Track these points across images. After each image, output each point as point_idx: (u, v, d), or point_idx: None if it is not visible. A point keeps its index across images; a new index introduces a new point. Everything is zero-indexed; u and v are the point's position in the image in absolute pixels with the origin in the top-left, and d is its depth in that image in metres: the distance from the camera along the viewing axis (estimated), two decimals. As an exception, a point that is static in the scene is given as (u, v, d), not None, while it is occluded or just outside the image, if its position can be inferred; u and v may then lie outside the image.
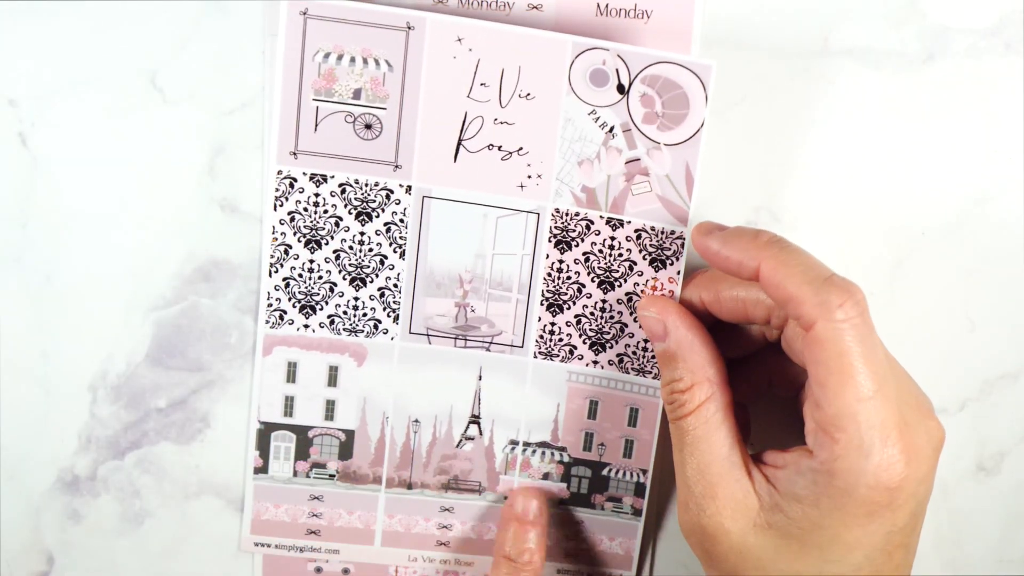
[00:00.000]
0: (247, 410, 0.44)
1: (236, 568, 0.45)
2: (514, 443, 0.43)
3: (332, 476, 0.43)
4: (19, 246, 0.42)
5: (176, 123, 0.41)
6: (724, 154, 0.42)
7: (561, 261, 0.41)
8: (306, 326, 0.42)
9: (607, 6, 0.40)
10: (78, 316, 0.43)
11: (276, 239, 0.41)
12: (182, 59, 0.41)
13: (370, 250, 0.41)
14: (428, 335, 0.42)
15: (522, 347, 0.42)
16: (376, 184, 0.40)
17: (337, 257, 0.41)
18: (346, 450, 0.43)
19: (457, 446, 0.43)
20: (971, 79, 0.42)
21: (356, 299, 0.42)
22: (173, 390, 0.44)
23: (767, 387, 0.41)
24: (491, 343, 0.42)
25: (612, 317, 0.41)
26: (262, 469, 0.43)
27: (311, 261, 0.41)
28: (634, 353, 0.42)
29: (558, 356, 0.42)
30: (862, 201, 0.43)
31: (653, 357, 0.42)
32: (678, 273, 0.41)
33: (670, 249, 0.40)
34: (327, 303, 0.42)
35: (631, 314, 0.41)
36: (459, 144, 0.40)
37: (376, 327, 0.42)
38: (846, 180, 0.42)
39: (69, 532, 0.45)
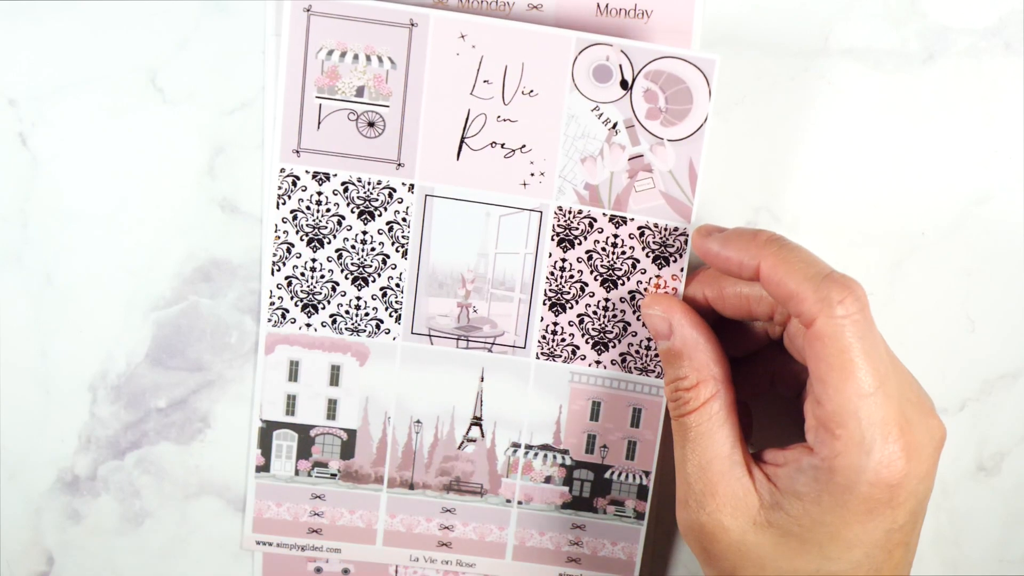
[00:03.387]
0: (247, 410, 0.44)
1: (236, 568, 0.45)
2: (516, 445, 0.43)
3: (334, 475, 0.43)
4: (19, 246, 0.42)
5: (176, 123, 0.41)
6: (724, 154, 0.42)
7: (564, 259, 0.41)
8: (308, 325, 0.42)
9: (607, 6, 0.40)
10: (78, 316, 0.43)
11: (279, 237, 0.41)
12: (182, 59, 0.41)
13: (372, 249, 0.41)
14: (430, 335, 0.42)
15: (524, 348, 0.42)
16: (379, 182, 0.40)
17: (339, 256, 0.41)
18: (348, 449, 0.43)
19: (459, 448, 0.43)
20: (971, 79, 0.42)
21: (358, 299, 0.42)
22: (173, 390, 0.44)
23: (769, 386, 0.41)
24: (493, 344, 0.42)
25: (615, 316, 0.41)
26: (264, 467, 0.43)
27: (313, 260, 0.41)
28: (637, 352, 0.42)
29: (560, 356, 0.42)
30: (862, 201, 0.43)
31: (656, 356, 0.42)
32: (681, 270, 0.41)
33: (673, 246, 0.40)
34: (329, 302, 0.42)
35: (634, 312, 0.41)
36: (462, 142, 0.40)
37: (378, 327, 0.42)
38: (846, 180, 0.42)
39: (69, 532, 0.45)
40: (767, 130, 0.42)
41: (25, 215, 0.42)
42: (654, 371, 0.42)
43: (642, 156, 0.40)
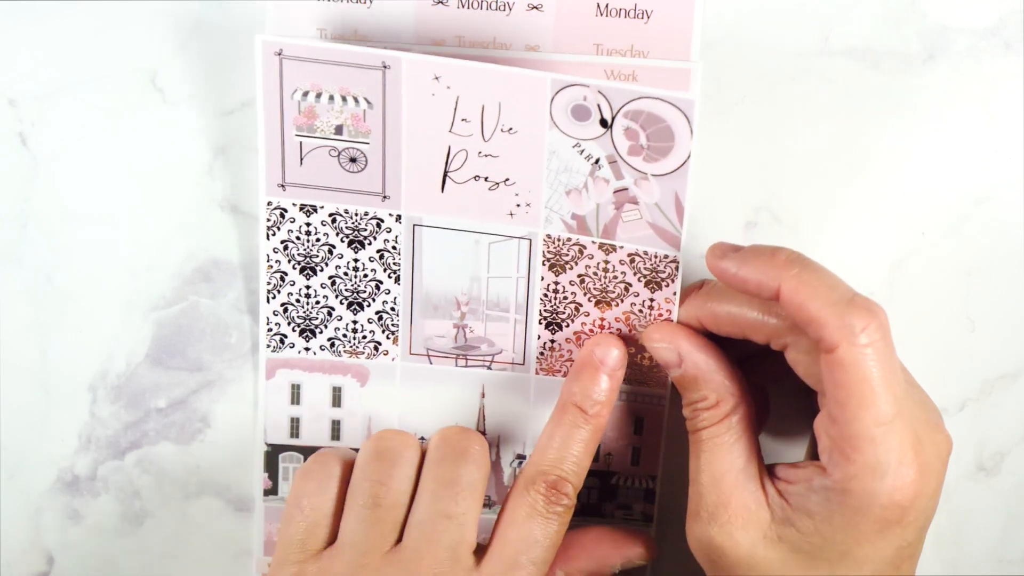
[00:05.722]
0: (247, 410, 0.44)
1: (236, 569, 0.45)
2: (521, 457, 0.43)
3: None
4: (19, 246, 0.42)
5: (176, 123, 0.41)
6: (724, 154, 0.42)
7: (556, 283, 0.41)
8: (307, 349, 0.42)
9: (607, 6, 0.40)
10: (78, 316, 0.43)
11: (271, 267, 0.41)
12: (182, 59, 0.41)
13: (365, 276, 0.41)
14: (428, 355, 0.42)
15: (523, 364, 0.42)
16: (366, 213, 0.40)
17: (333, 283, 0.41)
18: None
19: None
20: (971, 79, 0.42)
21: (355, 322, 0.41)
22: (173, 390, 0.44)
23: (786, 375, 0.41)
24: (492, 361, 0.42)
25: (611, 334, 0.41)
26: (272, 491, 0.43)
27: (307, 287, 0.41)
28: (636, 366, 0.41)
29: (560, 372, 0.42)
30: (862, 201, 0.43)
31: (655, 368, 0.41)
32: (674, 294, 0.40)
33: (664, 272, 0.40)
34: (326, 327, 0.41)
35: (629, 331, 0.41)
36: (445, 175, 0.39)
37: (376, 348, 0.42)
38: (846, 180, 0.42)
39: (69, 532, 0.45)
40: (767, 130, 0.42)
41: (25, 215, 0.42)
42: (653, 383, 0.42)
43: (627, 189, 0.39)
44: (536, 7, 0.40)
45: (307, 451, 0.43)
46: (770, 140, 0.42)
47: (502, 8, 0.40)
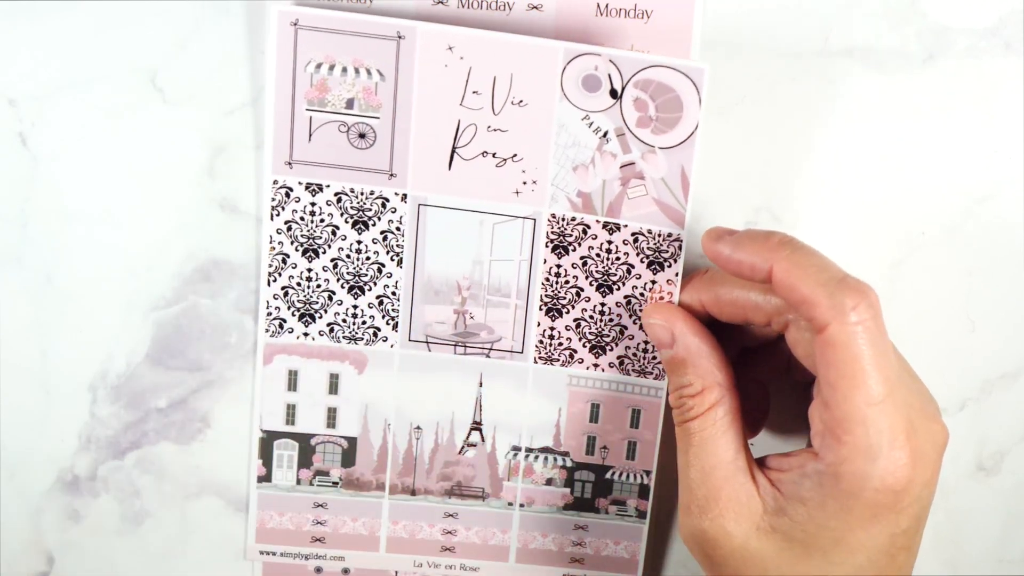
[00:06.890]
0: (247, 410, 0.44)
1: (236, 569, 0.45)
2: (516, 449, 0.43)
3: (336, 483, 0.43)
4: (19, 246, 0.42)
5: (176, 123, 0.41)
6: (724, 154, 0.42)
7: (559, 266, 0.41)
8: (306, 334, 0.42)
9: (607, 6, 0.40)
10: (78, 316, 0.43)
11: (274, 248, 0.41)
12: (182, 59, 0.41)
13: (367, 258, 0.41)
14: (428, 342, 0.42)
15: (522, 352, 0.42)
16: (371, 193, 0.40)
17: (335, 266, 0.41)
18: (349, 457, 0.43)
19: (459, 453, 0.43)
20: (971, 79, 0.42)
21: (355, 307, 0.42)
22: (173, 390, 0.44)
23: (785, 370, 0.41)
24: (491, 349, 0.42)
25: (611, 320, 0.41)
26: (265, 478, 0.43)
27: (309, 270, 0.41)
28: (634, 355, 0.42)
29: (558, 360, 0.42)
30: (862, 201, 0.43)
31: (654, 358, 0.42)
32: (676, 275, 0.40)
33: (667, 252, 0.40)
34: (326, 311, 0.42)
35: (630, 317, 0.41)
36: (453, 152, 0.40)
37: (375, 335, 0.42)
38: (846, 180, 0.42)
39: (69, 532, 0.45)
40: (767, 130, 0.42)
41: (25, 215, 0.42)
42: (652, 373, 0.42)
43: (633, 164, 0.40)
44: (536, 7, 0.40)
45: (302, 438, 0.43)
46: (770, 140, 0.42)
47: (502, 8, 0.40)
